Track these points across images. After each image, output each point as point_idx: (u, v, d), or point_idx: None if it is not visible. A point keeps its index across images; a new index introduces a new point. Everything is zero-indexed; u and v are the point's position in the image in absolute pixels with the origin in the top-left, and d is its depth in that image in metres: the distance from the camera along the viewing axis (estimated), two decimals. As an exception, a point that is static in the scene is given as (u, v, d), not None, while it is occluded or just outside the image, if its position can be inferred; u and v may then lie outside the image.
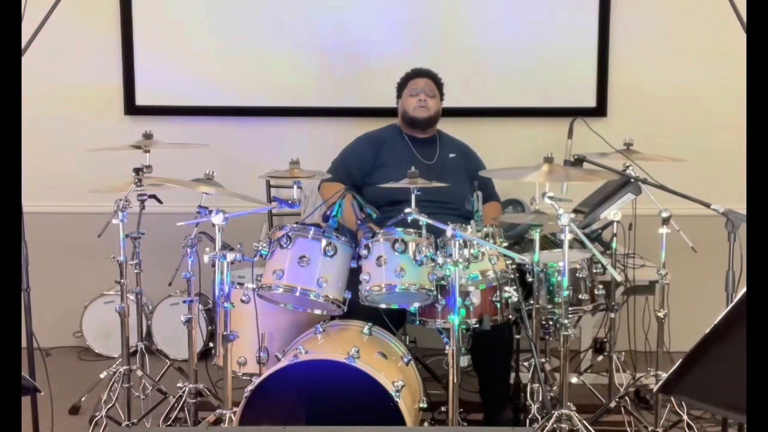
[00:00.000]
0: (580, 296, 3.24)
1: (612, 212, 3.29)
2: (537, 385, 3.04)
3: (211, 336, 3.90)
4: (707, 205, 2.83)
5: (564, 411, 2.85)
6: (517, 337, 3.30)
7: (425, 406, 2.92)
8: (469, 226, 2.89)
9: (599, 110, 4.31)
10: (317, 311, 3.00)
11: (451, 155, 3.73)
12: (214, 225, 2.77)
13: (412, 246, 2.86)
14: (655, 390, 3.04)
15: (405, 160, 3.58)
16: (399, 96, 3.74)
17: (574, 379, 3.76)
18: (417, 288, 2.85)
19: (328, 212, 3.00)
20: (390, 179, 3.24)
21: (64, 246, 4.37)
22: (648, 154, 3.46)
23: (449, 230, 2.67)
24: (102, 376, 3.34)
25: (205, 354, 3.89)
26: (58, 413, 3.06)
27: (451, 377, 2.72)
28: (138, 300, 3.47)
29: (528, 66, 4.32)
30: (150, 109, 4.36)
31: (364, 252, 2.93)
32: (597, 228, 3.39)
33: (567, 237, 2.75)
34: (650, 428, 3.15)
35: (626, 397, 3.30)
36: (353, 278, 2.95)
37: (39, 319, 2.87)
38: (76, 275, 4.37)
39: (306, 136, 4.40)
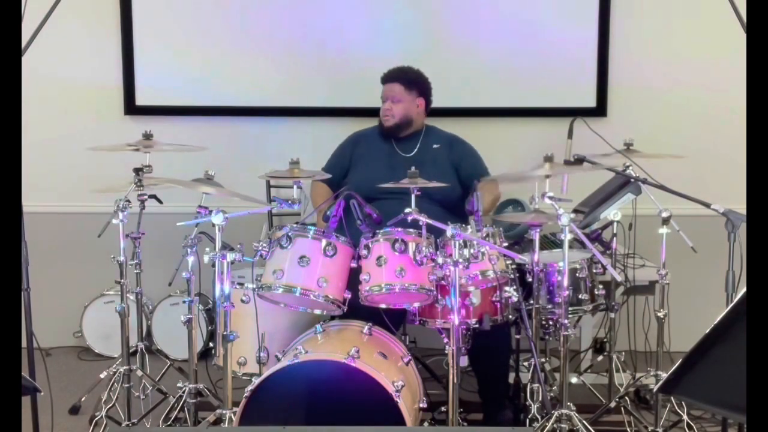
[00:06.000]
0: (580, 296, 3.24)
1: (612, 212, 3.29)
2: (537, 385, 3.04)
3: (211, 336, 3.90)
4: (707, 205, 2.83)
5: (564, 411, 2.85)
6: (517, 337, 3.30)
7: (425, 406, 2.92)
8: (469, 226, 2.89)
9: (599, 110, 4.31)
10: (317, 311, 3.00)
11: (435, 146, 3.72)
12: (214, 225, 2.77)
13: (412, 246, 2.86)
14: (655, 390, 3.04)
15: (382, 153, 3.62)
16: None
17: (574, 379, 3.76)
18: (417, 288, 2.85)
19: (328, 212, 3.00)
20: (363, 172, 3.23)
21: (64, 246, 4.37)
22: (648, 154, 3.46)
23: (449, 230, 2.67)
24: (102, 376, 3.34)
25: (205, 354, 3.89)
26: (58, 413, 3.06)
27: (451, 377, 2.72)
28: (138, 300, 3.46)
29: (528, 66, 4.31)
30: (150, 109, 4.36)
31: (364, 252, 2.93)
32: (597, 228, 3.39)
33: (567, 237, 2.75)
34: (650, 428, 3.15)
35: (626, 397, 3.30)
36: (353, 278, 2.95)
37: (39, 319, 2.86)
38: (76, 275, 4.37)
39: (306, 136, 4.40)
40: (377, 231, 2.93)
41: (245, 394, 2.69)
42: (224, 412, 2.83)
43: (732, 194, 3.33)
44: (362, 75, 4.29)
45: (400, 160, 3.49)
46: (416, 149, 3.69)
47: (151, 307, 4.21)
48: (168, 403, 3.29)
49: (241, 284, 3.15)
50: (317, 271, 2.87)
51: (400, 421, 2.61)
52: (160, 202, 3.44)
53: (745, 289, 1.52)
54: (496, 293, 2.99)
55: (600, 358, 3.90)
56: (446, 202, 3.41)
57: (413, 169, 2.97)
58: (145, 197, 3.31)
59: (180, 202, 3.50)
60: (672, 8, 4.27)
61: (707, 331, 1.57)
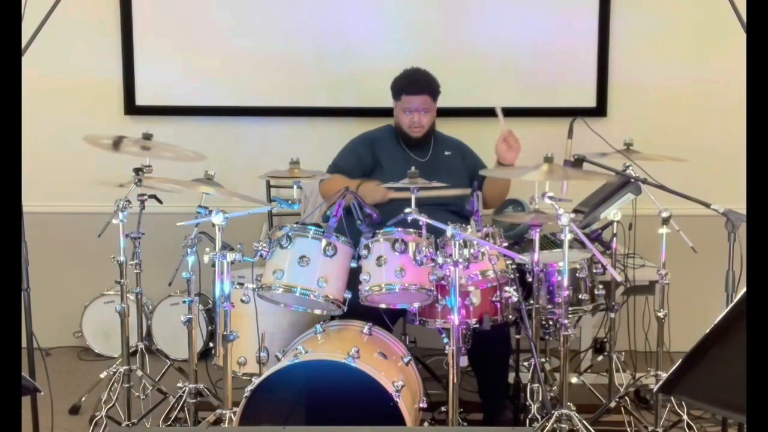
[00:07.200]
0: (580, 296, 3.24)
1: (612, 212, 3.29)
2: (537, 385, 3.04)
3: (211, 336, 3.90)
4: (707, 205, 2.83)
5: (564, 411, 2.85)
6: (517, 337, 3.30)
7: (425, 406, 2.92)
8: (469, 226, 2.89)
9: (599, 110, 4.31)
10: (317, 311, 3.00)
11: (447, 153, 3.71)
12: (214, 225, 2.77)
13: (412, 246, 2.86)
14: (655, 390, 3.04)
15: (398, 159, 3.59)
16: (394, 97, 3.68)
17: (574, 379, 3.75)
18: (417, 288, 2.85)
19: (328, 212, 3.00)
20: (383, 179, 3.21)
21: (64, 246, 4.37)
22: (648, 154, 3.46)
23: (449, 230, 2.67)
24: (102, 376, 3.34)
25: (205, 354, 3.89)
26: (58, 413, 3.05)
27: (451, 377, 2.72)
28: (138, 300, 3.46)
29: (528, 66, 4.32)
30: (150, 109, 4.36)
31: (364, 252, 2.93)
32: (597, 228, 3.39)
33: (567, 237, 2.75)
34: (650, 428, 3.15)
35: (626, 397, 3.30)
36: (353, 278, 2.95)
37: (39, 319, 2.86)
38: (76, 275, 4.37)
39: (306, 136, 4.40)
40: (377, 231, 2.93)
41: (245, 394, 2.69)
42: (224, 412, 2.83)
43: (732, 194, 3.33)
44: (363, 75, 4.30)
45: (416, 166, 3.45)
46: (429, 154, 3.67)
47: (151, 307, 4.21)
48: (168, 403, 3.29)
49: (241, 284, 3.16)
50: (317, 271, 2.87)
51: (400, 421, 2.61)
52: (160, 202, 3.44)
53: (745, 289, 1.52)
54: (496, 293, 2.99)
55: (600, 358, 3.89)
56: (462, 212, 3.38)
57: (413, 169, 2.97)
58: (145, 197, 3.31)
59: (180, 202, 3.50)
60: (672, 8, 4.27)
61: (707, 331, 1.57)
